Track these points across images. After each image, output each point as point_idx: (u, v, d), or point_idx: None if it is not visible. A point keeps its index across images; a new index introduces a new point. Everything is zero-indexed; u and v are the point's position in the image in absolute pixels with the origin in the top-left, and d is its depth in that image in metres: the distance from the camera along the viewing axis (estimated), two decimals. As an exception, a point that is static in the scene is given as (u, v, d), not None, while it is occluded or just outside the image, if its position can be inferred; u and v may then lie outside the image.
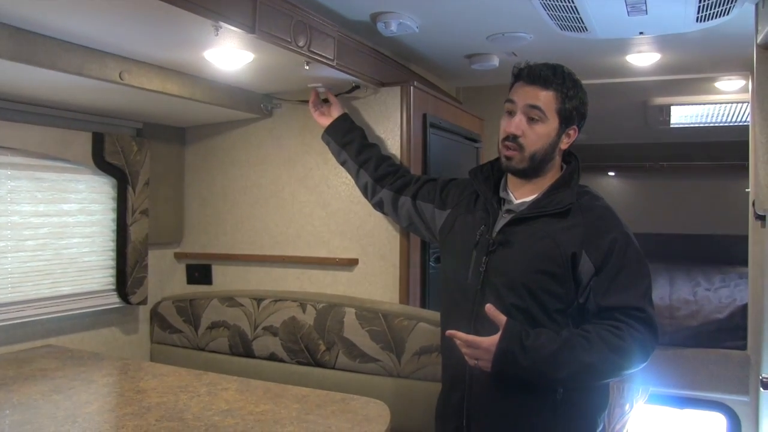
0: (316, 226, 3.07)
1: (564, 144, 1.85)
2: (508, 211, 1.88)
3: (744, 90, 4.33)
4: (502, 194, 1.94)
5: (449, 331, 1.76)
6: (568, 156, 1.93)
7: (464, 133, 3.58)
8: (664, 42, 3.27)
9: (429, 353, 2.58)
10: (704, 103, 4.91)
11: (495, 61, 3.56)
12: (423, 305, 3.00)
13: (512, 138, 1.80)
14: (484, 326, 1.75)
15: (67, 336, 2.81)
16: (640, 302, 1.71)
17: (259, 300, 2.98)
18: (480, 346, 1.69)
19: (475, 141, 3.75)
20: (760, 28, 2.26)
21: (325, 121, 2.72)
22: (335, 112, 2.72)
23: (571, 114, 1.82)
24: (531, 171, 1.84)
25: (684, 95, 4.77)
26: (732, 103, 4.84)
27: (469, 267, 1.87)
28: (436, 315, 2.70)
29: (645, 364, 1.71)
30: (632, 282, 1.72)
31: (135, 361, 2.66)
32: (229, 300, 3.04)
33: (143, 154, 3.00)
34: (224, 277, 3.28)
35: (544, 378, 1.71)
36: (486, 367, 1.70)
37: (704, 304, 4.70)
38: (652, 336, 1.70)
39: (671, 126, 5.73)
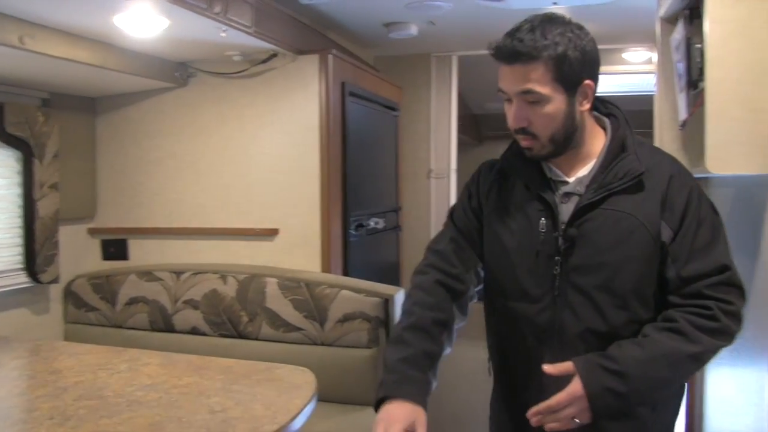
0: (235, 197, 3.02)
1: (584, 105, 1.48)
2: (567, 194, 1.51)
3: (649, 61, 4.49)
4: (548, 174, 1.55)
5: (531, 413, 1.40)
6: (604, 106, 1.59)
7: (383, 102, 3.58)
8: (576, 13, 3.31)
9: (352, 320, 2.60)
10: (613, 74, 5.06)
11: (413, 30, 3.56)
12: (345, 273, 3.01)
13: (521, 131, 1.47)
14: (564, 349, 1.46)
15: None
16: (725, 259, 1.44)
17: (178, 273, 2.92)
18: (567, 403, 1.37)
19: (393, 109, 3.76)
20: (662, 1, 2.33)
21: None
22: None
23: (575, 72, 1.44)
24: (562, 148, 1.50)
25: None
26: (639, 73, 5.00)
27: (537, 276, 1.50)
28: (357, 282, 2.72)
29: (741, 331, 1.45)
30: (713, 239, 1.45)
31: (48, 342, 2.57)
32: (148, 275, 2.97)
33: (50, 125, 2.87)
34: (141, 252, 3.20)
35: (651, 391, 1.43)
36: (586, 420, 1.38)
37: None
38: (742, 297, 1.45)
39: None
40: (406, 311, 1.57)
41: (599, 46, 1.49)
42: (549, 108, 1.43)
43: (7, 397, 1.88)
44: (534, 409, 1.38)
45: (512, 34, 1.42)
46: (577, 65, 1.42)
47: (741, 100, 1.66)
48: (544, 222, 1.49)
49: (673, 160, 1.53)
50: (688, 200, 1.44)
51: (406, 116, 4.12)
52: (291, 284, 2.71)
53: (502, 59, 1.43)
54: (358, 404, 2.58)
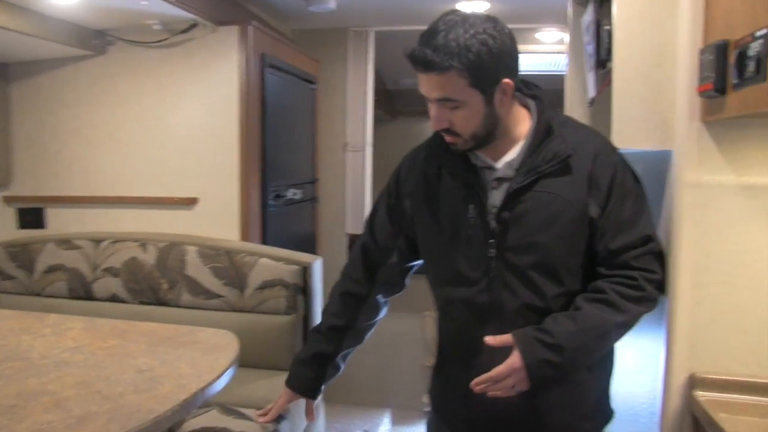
0: (153, 166, 3.06)
1: (504, 103, 1.50)
2: (498, 179, 1.55)
3: (561, 42, 4.67)
4: (474, 161, 1.58)
5: (473, 384, 1.49)
6: (527, 87, 1.61)
7: (301, 75, 3.66)
8: (491, -9, 3.48)
9: (271, 287, 2.70)
10: (527, 53, 5.24)
11: (332, 4, 3.62)
12: (263, 242, 3.10)
13: (444, 131, 1.51)
14: (504, 326, 1.52)
15: None
16: (648, 229, 1.55)
17: (97, 242, 2.95)
18: (506, 375, 1.46)
19: (311, 82, 3.84)
20: (574, -18, 2.48)
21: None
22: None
23: (491, 75, 1.44)
24: (485, 141, 1.53)
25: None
26: (551, 53, 5.20)
27: (472, 259, 1.56)
28: (276, 250, 2.81)
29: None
30: (637, 211, 1.55)
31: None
32: (66, 243, 2.98)
33: (-37, 91, 2.84)
34: (59, 221, 3.20)
35: (584, 359, 1.55)
36: (524, 387, 1.48)
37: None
38: (663, 265, 1.57)
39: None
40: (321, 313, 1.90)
41: (513, 26, 1.56)
42: (467, 111, 1.46)
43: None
44: (477, 379, 1.47)
45: (427, 40, 1.42)
46: (492, 67, 1.43)
47: (644, 80, 1.79)
48: (472, 208, 1.54)
49: (597, 136, 1.61)
50: (613, 176, 1.53)
51: (324, 89, 4.20)
52: (211, 252, 2.78)
53: (417, 68, 1.44)
54: (277, 369, 2.67)
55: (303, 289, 2.74)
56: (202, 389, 1.60)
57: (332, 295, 1.88)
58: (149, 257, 2.85)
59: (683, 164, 1.65)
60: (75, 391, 1.57)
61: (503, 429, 1.62)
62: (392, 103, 7.27)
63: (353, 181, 4.52)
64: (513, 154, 1.55)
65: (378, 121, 6.33)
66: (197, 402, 1.59)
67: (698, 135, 1.64)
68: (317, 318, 2.67)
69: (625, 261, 1.52)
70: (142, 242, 2.89)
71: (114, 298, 2.88)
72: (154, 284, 2.83)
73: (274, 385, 2.53)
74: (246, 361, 2.62)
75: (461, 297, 1.58)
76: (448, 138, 1.53)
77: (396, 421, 3.98)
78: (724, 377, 1.59)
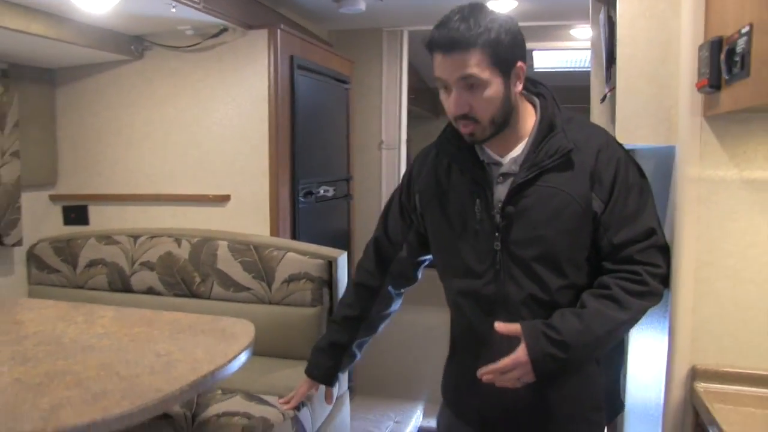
0: (189, 165, 3.20)
1: (518, 86, 1.56)
2: (503, 175, 1.60)
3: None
4: (481, 156, 1.63)
5: (481, 373, 1.54)
6: (533, 85, 1.67)
7: (333, 75, 3.75)
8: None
9: (297, 280, 2.80)
10: (561, 49, 5.25)
11: (361, 5, 3.71)
12: (294, 238, 3.20)
13: (463, 117, 1.53)
14: (510, 317, 1.57)
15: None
16: (652, 222, 1.58)
17: (135, 237, 3.10)
18: (512, 367, 1.51)
19: (344, 82, 3.93)
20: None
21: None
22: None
23: (509, 55, 1.51)
24: (500, 130, 1.57)
25: (543, 41, 5.10)
26: (584, 49, 5.20)
27: (479, 252, 1.62)
28: (302, 245, 2.92)
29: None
30: (640, 205, 1.58)
31: (11, 299, 2.75)
32: (107, 238, 3.14)
33: (10, 95, 3.01)
34: (101, 217, 3.37)
35: (589, 355, 1.59)
36: (530, 379, 1.52)
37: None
38: (667, 259, 1.60)
39: (535, 70, 6.08)
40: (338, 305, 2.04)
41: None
42: (489, 92, 1.49)
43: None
44: (483, 369, 1.52)
45: (445, 24, 1.48)
46: (509, 48, 1.50)
47: (648, 76, 1.81)
48: (479, 203, 1.59)
49: (601, 133, 1.64)
50: (616, 171, 1.56)
51: (358, 89, 4.29)
52: (240, 247, 2.90)
53: (440, 49, 1.49)
54: (302, 359, 2.76)
55: (328, 282, 2.83)
56: (212, 372, 1.71)
57: (348, 286, 1.99)
58: (183, 252, 2.98)
59: (685, 159, 1.68)
60: (96, 371, 1.69)
61: (513, 420, 1.66)
62: (435, 101, 7.34)
63: (388, 178, 4.60)
64: (518, 150, 1.59)
65: (419, 119, 6.39)
66: (206, 383, 1.70)
67: (700, 130, 1.66)
68: (342, 309, 2.77)
69: (629, 255, 1.55)
70: (177, 238, 3.03)
71: (150, 291, 3.03)
72: (187, 277, 2.97)
73: (298, 374, 2.63)
74: (273, 351, 2.76)
75: (469, 289, 1.64)
76: (466, 129, 1.55)
77: (427, 413, 4.06)
78: (724, 369, 1.62)
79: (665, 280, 1.60)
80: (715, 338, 1.68)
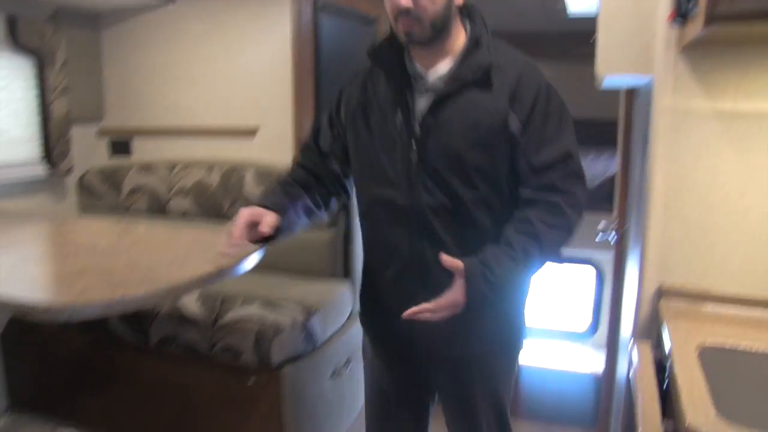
0: (221, 100, 3.46)
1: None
2: (427, 90, 1.63)
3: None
4: (410, 69, 1.65)
5: (407, 314, 1.56)
6: (469, 12, 1.68)
7: (359, 16, 3.92)
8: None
9: (315, 205, 3.05)
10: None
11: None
12: (316, 168, 3.44)
13: (405, 12, 1.54)
14: (420, 226, 1.63)
15: (2, 201, 3.19)
16: (571, 147, 1.60)
17: (172, 167, 3.40)
18: (447, 306, 1.55)
19: (370, 23, 4.09)
20: None
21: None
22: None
23: None
24: (437, 35, 1.59)
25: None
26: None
27: (396, 162, 1.63)
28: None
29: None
30: (560, 130, 1.59)
31: (61, 218, 3.08)
32: (147, 168, 3.45)
33: (58, 37, 3.31)
34: (142, 149, 3.68)
35: (509, 289, 1.64)
36: (455, 314, 1.57)
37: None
38: (584, 188, 1.63)
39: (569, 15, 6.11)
40: None
41: None
42: None
43: (30, 244, 2.40)
44: (413, 309, 1.55)
45: None
46: None
47: (628, 10, 1.95)
48: (400, 113, 1.62)
49: (525, 60, 1.64)
50: (537, 96, 1.57)
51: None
52: (265, 174, 3.17)
53: None
54: (317, 277, 3.07)
55: (345, 206, 3.06)
56: (220, 269, 1.94)
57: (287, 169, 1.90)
58: (214, 179, 3.26)
59: (660, 90, 1.80)
60: (122, 267, 1.98)
61: (417, 335, 1.72)
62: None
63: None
64: (445, 66, 1.63)
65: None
66: (213, 279, 1.92)
67: (674, 62, 1.79)
68: (357, 233, 3.02)
69: (549, 182, 1.58)
70: (209, 167, 3.31)
71: (185, 215, 3.33)
72: (217, 202, 3.25)
73: (312, 288, 2.93)
74: (291, 269, 3.04)
75: (384, 198, 1.66)
76: (404, 25, 1.56)
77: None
78: (688, 288, 1.78)
79: (582, 209, 1.62)
80: (682, 260, 1.83)
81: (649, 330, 1.88)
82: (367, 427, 1.97)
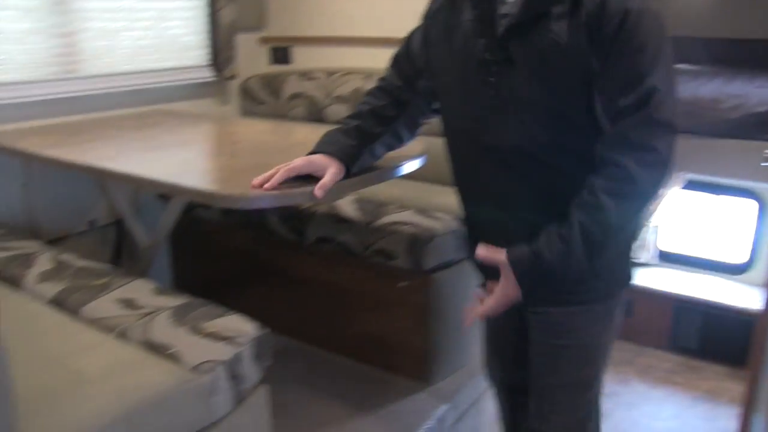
0: (382, 10, 3.47)
1: None
2: (505, 16, 1.40)
3: None
4: None
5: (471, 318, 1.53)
6: None
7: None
8: None
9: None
10: None
11: None
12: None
13: None
14: (498, 164, 1.48)
15: (173, 104, 3.39)
16: (657, 86, 1.30)
17: (331, 74, 3.46)
18: (501, 305, 1.47)
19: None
20: None
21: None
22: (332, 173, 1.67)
23: None
24: None
25: None
26: None
27: (474, 96, 1.48)
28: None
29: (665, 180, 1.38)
30: (646, 67, 1.31)
31: (228, 120, 3.25)
32: (306, 75, 3.54)
33: (227, -56, 3.41)
34: (302, 57, 3.78)
35: (583, 270, 1.42)
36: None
37: (748, 99, 4.80)
38: (668, 139, 1.34)
39: None
40: None
41: None
42: None
43: (200, 141, 2.54)
44: (470, 315, 1.51)
45: None
46: None
47: None
48: (482, 42, 1.44)
49: None
50: (620, 25, 1.29)
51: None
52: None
53: None
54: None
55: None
56: (381, 168, 1.96)
57: (366, 95, 1.84)
58: (372, 85, 3.29)
59: None
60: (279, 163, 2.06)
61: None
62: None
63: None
64: None
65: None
66: (372, 180, 1.92)
67: None
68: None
69: (620, 136, 1.34)
70: (367, 75, 3.35)
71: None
72: (373, 110, 3.30)
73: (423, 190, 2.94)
74: (444, 180, 3.05)
75: (465, 129, 1.54)
76: None
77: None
78: None
79: (664, 168, 1.35)
80: None
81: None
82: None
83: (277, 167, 1.67)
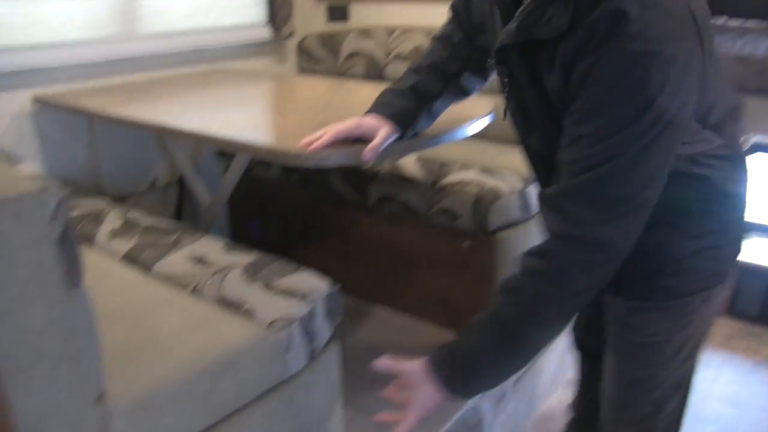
0: (441, -36, 3.38)
1: None
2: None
3: None
4: None
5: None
6: None
7: None
8: None
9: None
10: None
11: None
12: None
13: None
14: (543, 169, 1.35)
15: (230, 62, 3.38)
16: (610, 150, 1.07)
17: (390, 32, 3.40)
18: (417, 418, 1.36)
19: None
20: None
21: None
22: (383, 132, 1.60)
23: None
24: None
25: None
26: None
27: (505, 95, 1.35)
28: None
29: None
30: (607, 129, 1.07)
31: (286, 77, 3.22)
32: (365, 33, 3.48)
33: None
34: (360, 15, 3.71)
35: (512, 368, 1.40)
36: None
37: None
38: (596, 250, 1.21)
39: None
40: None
41: None
42: None
43: (261, 99, 2.53)
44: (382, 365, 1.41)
45: None
46: None
47: None
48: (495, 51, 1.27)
49: (615, 15, 1.02)
50: (592, 66, 1.06)
51: None
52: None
53: None
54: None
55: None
56: (447, 128, 1.93)
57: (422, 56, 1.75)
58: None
59: None
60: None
61: None
62: None
63: None
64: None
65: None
66: (439, 139, 1.89)
67: None
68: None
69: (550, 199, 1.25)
70: (428, 32, 3.27)
71: (401, 80, 3.35)
72: (434, 69, 3.23)
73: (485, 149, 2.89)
74: (509, 139, 2.98)
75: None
76: None
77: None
78: None
79: (593, 239, 1.19)
80: None
81: None
82: None
83: (326, 128, 1.63)
